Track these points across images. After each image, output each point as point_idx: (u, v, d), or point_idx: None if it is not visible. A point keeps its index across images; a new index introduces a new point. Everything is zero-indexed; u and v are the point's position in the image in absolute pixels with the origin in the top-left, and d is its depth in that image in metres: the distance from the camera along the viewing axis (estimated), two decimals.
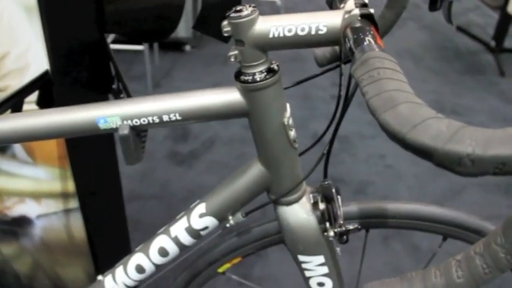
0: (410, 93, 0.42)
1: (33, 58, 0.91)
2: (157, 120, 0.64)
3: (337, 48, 0.84)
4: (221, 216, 0.73)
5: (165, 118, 0.64)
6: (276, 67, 0.62)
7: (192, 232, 0.74)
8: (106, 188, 1.10)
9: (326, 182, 0.69)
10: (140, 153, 0.68)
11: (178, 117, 0.64)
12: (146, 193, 2.18)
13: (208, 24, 0.84)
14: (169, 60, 3.34)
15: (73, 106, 0.67)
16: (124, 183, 2.21)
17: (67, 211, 1.13)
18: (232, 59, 0.60)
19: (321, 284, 0.77)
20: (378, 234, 1.95)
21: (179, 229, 0.75)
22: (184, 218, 0.75)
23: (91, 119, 0.65)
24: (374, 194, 2.21)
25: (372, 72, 0.45)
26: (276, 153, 0.67)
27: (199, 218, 0.73)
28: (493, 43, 3.49)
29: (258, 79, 0.61)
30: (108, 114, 0.65)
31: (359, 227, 0.73)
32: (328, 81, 3.14)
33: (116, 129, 0.65)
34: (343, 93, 0.66)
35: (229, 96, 0.64)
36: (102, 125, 0.65)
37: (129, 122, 0.65)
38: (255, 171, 0.70)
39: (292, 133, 0.66)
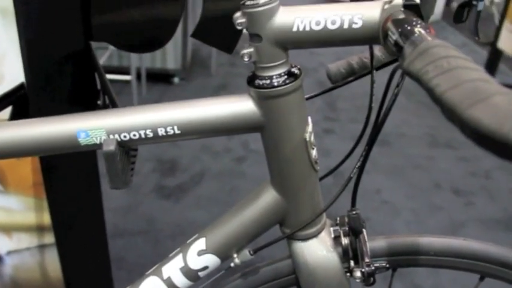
0: (499, 85, 0.32)
1: (8, 69, 0.80)
2: (150, 135, 0.53)
3: (353, 62, 0.74)
4: (224, 253, 0.61)
5: (161, 132, 0.53)
6: (297, 71, 0.52)
7: (189, 273, 0.62)
8: (86, 220, 0.98)
9: (354, 212, 0.58)
10: (128, 176, 0.56)
11: (177, 131, 0.53)
12: (131, 229, 2.04)
13: (209, 32, 0.74)
14: (157, 92, 3.25)
15: (48, 117, 0.55)
16: (107, 217, 2.08)
17: (42, 247, 0.99)
18: (246, 59, 0.50)
19: None
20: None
21: (173, 269, 0.63)
22: (180, 256, 0.63)
23: (70, 133, 0.54)
24: (371, 230, 2.09)
25: (438, 62, 0.35)
26: (295, 176, 0.55)
27: (197, 256, 0.61)
28: None
29: (276, 84, 0.51)
30: (90, 127, 0.54)
31: (387, 265, 0.62)
32: (319, 115, 3.06)
33: (100, 145, 0.54)
34: (376, 104, 0.56)
35: (240, 105, 0.53)
36: (83, 140, 0.54)
37: (116, 136, 0.54)
38: (267, 198, 0.58)
39: (314, 152, 0.55)
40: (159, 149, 2.62)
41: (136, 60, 3.04)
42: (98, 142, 0.54)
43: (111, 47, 3.08)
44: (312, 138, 0.55)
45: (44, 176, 0.88)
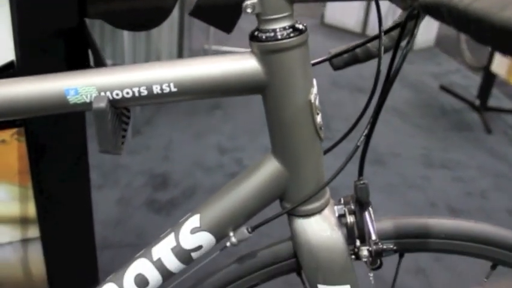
0: None
1: None
2: (145, 93, 0.50)
3: (356, 50, 0.71)
4: (220, 231, 0.57)
5: (156, 90, 0.50)
6: (302, 27, 0.49)
7: (181, 254, 0.58)
8: (74, 211, 0.93)
9: (362, 182, 0.54)
10: (119, 141, 0.52)
11: (173, 89, 0.50)
12: (120, 241, 1.98)
13: (207, 11, 0.71)
14: (151, 109, 3.21)
15: (35, 76, 0.52)
16: (96, 229, 2.03)
17: (25, 241, 0.94)
18: (249, 10, 0.47)
19: None
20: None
21: (164, 250, 0.58)
22: (171, 235, 0.58)
23: (58, 90, 0.50)
24: None
25: None
26: (298, 141, 0.52)
27: (190, 234, 0.57)
28: (477, 102, 3.48)
29: (280, 36, 0.47)
30: (80, 84, 0.50)
31: (395, 248, 0.58)
32: None
33: (90, 105, 0.50)
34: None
35: (242, 62, 0.50)
36: (72, 98, 0.50)
37: (108, 94, 0.50)
38: (268, 169, 0.54)
39: (319, 118, 0.52)
40: (151, 163, 2.58)
41: None
42: (87, 100, 0.50)
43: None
44: (317, 102, 0.52)
45: (30, 161, 0.83)
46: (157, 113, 3.16)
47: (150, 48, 3.15)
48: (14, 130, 0.83)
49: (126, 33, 2.65)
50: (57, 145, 0.84)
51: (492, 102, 3.52)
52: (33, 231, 0.93)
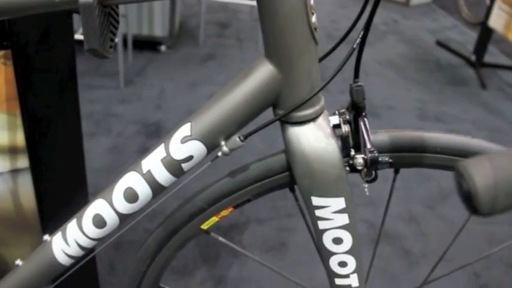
0: None
1: None
2: None
3: None
4: (211, 140, 0.55)
5: None
6: None
7: (171, 164, 0.56)
8: (63, 142, 0.90)
9: (357, 84, 0.53)
10: (107, 42, 0.50)
11: None
12: None
13: None
14: (144, 59, 3.17)
15: None
16: (88, 177, 2.02)
17: (15, 172, 0.92)
18: None
19: (338, 240, 0.60)
20: (365, 238, 1.80)
21: (154, 161, 0.57)
22: (161, 146, 0.57)
23: None
24: (360, 196, 2.05)
25: None
26: (292, 41, 0.50)
27: (181, 143, 0.55)
28: (473, 57, 3.45)
29: None
30: None
31: (391, 160, 0.57)
32: None
33: (77, 2, 0.47)
34: None
35: None
36: None
37: None
38: (261, 73, 0.52)
39: (314, 18, 0.50)
40: (144, 113, 2.56)
41: (123, 27, 2.95)
42: None
43: None
44: (312, 2, 0.49)
45: (18, 86, 0.81)
46: (149, 64, 3.11)
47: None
48: (1, 53, 0.81)
49: None
50: (45, 68, 0.81)
51: (488, 58, 3.50)
52: (23, 162, 0.91)
